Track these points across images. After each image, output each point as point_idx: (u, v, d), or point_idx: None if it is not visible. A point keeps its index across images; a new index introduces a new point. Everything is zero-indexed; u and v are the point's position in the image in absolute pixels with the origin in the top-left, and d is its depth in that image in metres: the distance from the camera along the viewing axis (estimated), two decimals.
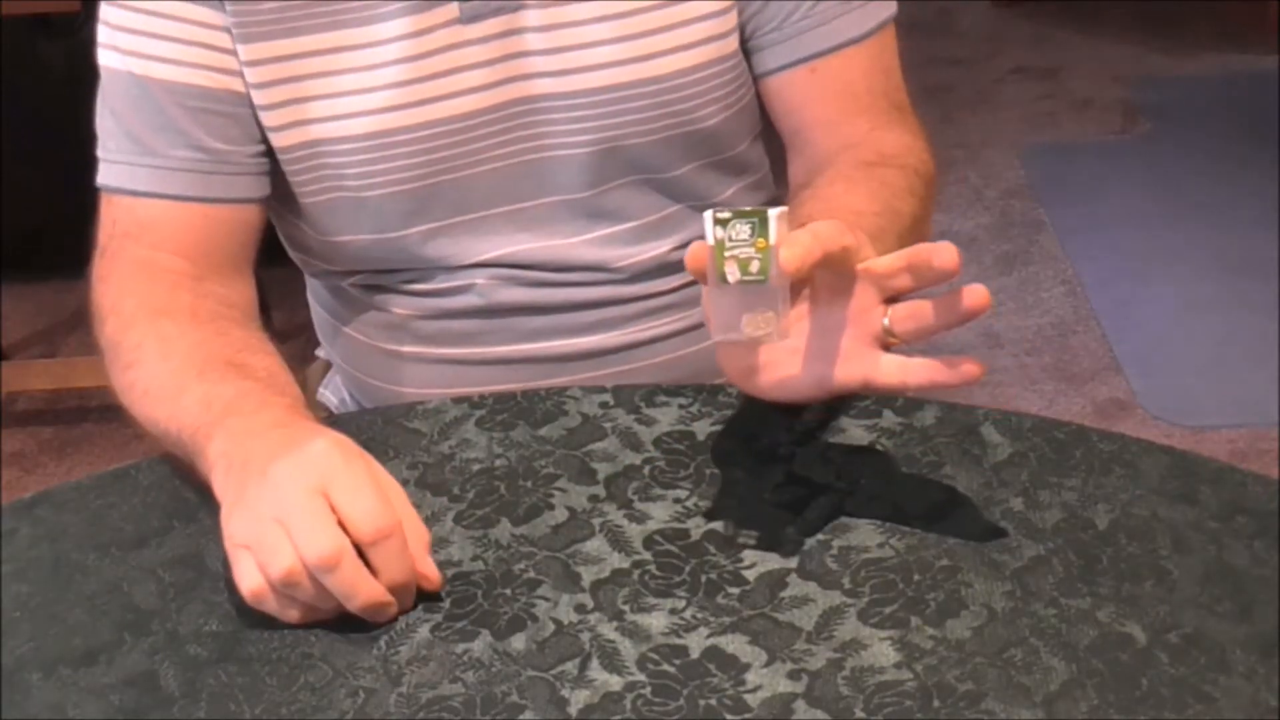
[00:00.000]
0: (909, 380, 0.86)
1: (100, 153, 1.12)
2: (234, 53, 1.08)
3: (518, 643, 0.86)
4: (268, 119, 1.10)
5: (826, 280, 0.87)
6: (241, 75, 1.08)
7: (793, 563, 0.90)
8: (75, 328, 2.80)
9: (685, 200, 1.17)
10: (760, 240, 0.82)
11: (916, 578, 0.88)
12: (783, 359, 0.88)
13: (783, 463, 0.97)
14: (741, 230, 0.83)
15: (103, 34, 1.10)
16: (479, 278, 1.16)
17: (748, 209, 0.83)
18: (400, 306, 1.19)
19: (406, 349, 1.20)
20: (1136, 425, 2.45)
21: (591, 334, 1.18)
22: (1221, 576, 0.87)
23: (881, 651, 0.83)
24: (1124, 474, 0.95)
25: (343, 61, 1.08)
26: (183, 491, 0.98)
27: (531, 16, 1.08)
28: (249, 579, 0.84)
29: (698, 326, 1.20)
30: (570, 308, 1.17)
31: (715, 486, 0.96)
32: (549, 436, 1.01)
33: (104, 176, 1.12)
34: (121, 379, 1.05)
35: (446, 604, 0.88)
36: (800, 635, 0.85)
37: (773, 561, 0.90)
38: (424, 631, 0.87)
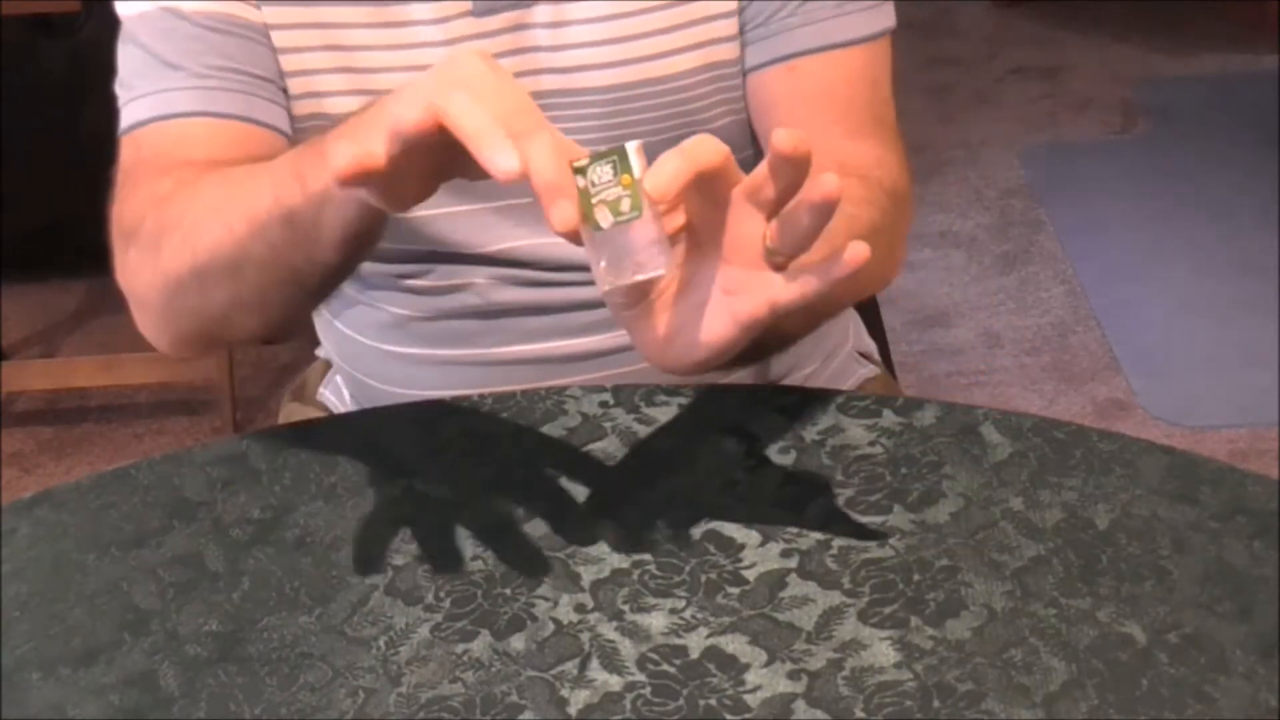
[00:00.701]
0: (808, 290, 0.81)
1: (125, 97, 1.09)
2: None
3: (517, 643, 0.86)
4: (286, 85, 1.09)
5: (704, 216, 0.83)
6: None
7: (792, 563, 0.90)
8: (75, 328, 2.80)
9: None
10: (625, 176, 0.79)
11: (916, 578, 0.88)
12: (688, 318, 0.84)
13: (782, 463, 0.97)
14: (603, 172, 0.79)
15: None
16: (478, 277, 1.16)
17: (604, 149, 0.80)
18: (398, 305, 1.18)
19: (405, 350, 1.20)
20: (1136, 425, 2.45)
21: (591, 334, 1.17)
22: (1221, 576, 0.87)
23: (881, 651, 0.83)
24: (1124, 474, 0.95)
25: (366, 38, 1.07)
26: (183, 491, 0.98)
27: (541, 12, 1.08)
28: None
29: None
30: (569, 308, 1.17)
31: (715, 486, 0.96)
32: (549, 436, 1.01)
33: (130, 116, 1.09)
34: (176, 241, 0.99)
35: (446, 604, 0.88)
36: (800, 635, 0.85)
37: (772, 561, 0.90)
38: (424, 631, 0.87)
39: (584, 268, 1.15)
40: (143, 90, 1.08)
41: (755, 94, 1.12)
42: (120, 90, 1.10)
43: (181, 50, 1.07)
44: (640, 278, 0.81)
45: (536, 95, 1.08)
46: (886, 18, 1.12)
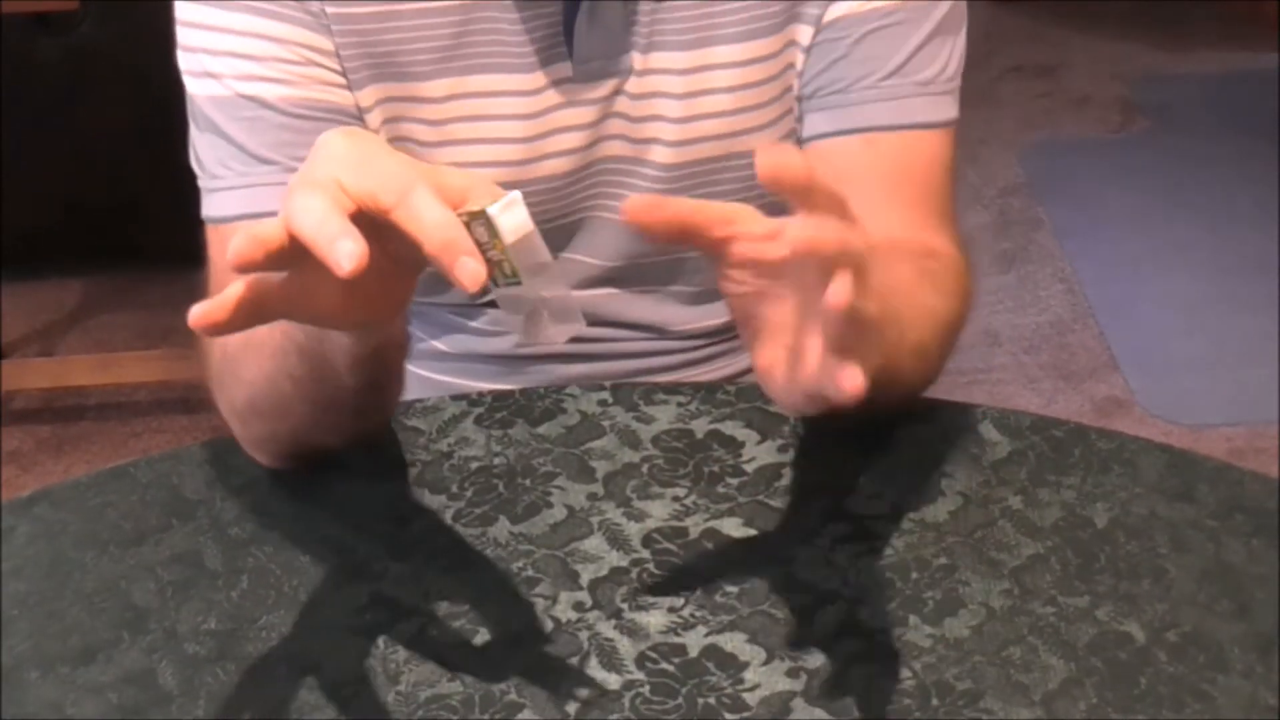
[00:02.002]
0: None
1: (207, 184, 1.03)
2: (347, 83, 1.02)
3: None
4: None
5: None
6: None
7: (791, 561, 0.90)
8: (73, 326, 2.80)
9: None
10: (497, 242, 0.72)
11: (915, 576, 0.88)
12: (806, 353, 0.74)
13: (780, 460, 0.97)
14: (480, 233, 0.72)
15: (192, 62, 1.02)
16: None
17: (475, 208, 0.72)
18: (436, 338, 1.18)
19: (435, 377, 1.19)
20: (1135, 423, 2.45)
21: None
22: (1220, 575, 0.88)
23: (880, 649, 0.83)
24: (1122, 472, 0.95)
25: (460, 109, 1.04)
26: (181, 490, 0.98)
27: (632, 83, 1.05)
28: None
29: (744, 372, 1.19)
30: (605, 358, 1.15)
31: (714, 485, 0.96)
32: (547, 434, 1.01)
33: (216, 207, 1.03)
34: (230, 374, 0.95)
35: (445, 602, 0.88)
36: (799, 633, 0.85)
37: (771, 560, 0.90)
38: (423, 629, 0.87)
39: (633, 325, 1.14)
40: (228, 183, 1.02)
41: (823, 162, 1.04)
42: (200, 172, 1.04)
43: (270, 142, 1.00)
44: (540, 344, 0.76)
45: (613, 160, 1.07)
46: (957, 106, 1.07)
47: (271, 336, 0.88)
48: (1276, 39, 3.56)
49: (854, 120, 1.05)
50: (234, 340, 0.92)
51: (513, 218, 0.73)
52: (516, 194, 0.73)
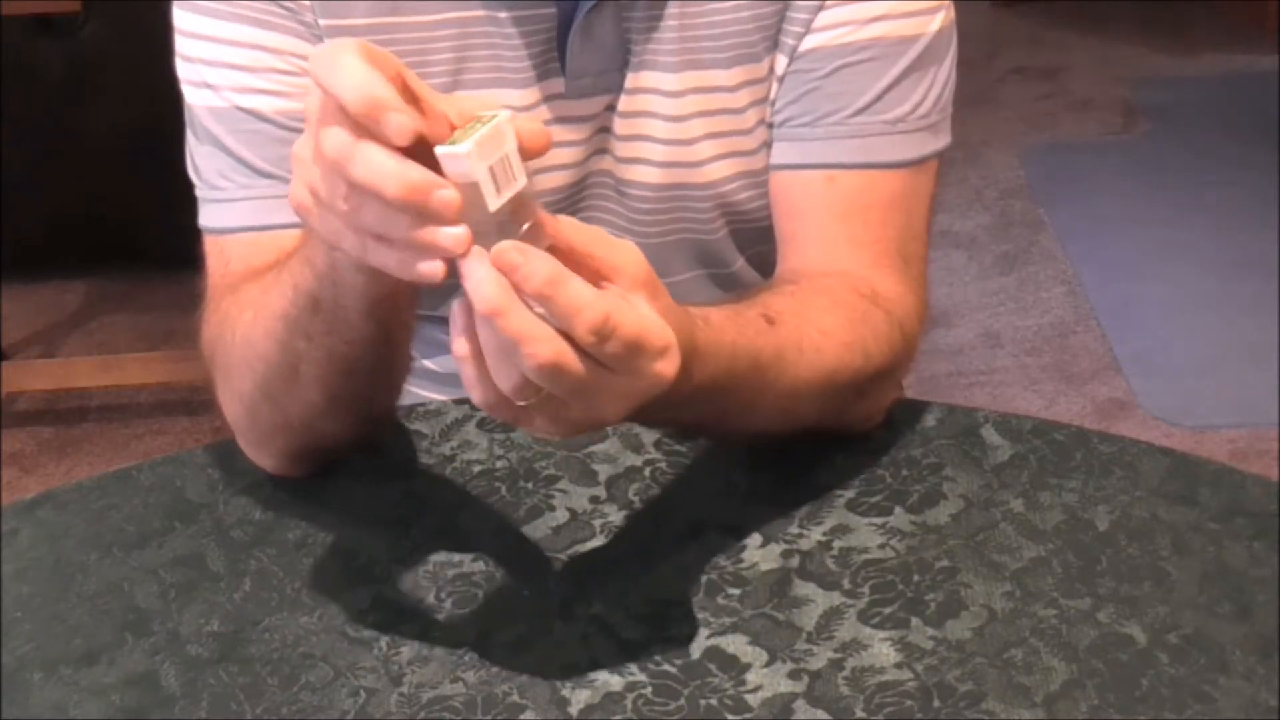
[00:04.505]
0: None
1: (206, 194, 1.04)
2: None
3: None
4: None
5: None
6: None
7: (793, 563, 0.90)
8: (75, 328, 2.80)
9: (733, 289, 1.14)
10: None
11: (916, 578, 0.88)
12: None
13: (782, 463, 0.97)
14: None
15: (190, 72, 1.02)
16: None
17: (479, 118, 0.73)
18: (428, 360, 1.18)
19: (424, 393, 1.19)
20: (1136, 425, 2.45)
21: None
22: (1221, 577, 0.88)
23: (882, 652, 0.83)
24: (1124, 476, 0.96)
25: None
26: (184, 492, 0.99)
27: (622, 101, 1.05)
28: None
29: None
30: None
31: (715, 487, 0.96)
32: (550, 438, 1.01)
33: (216, 218, 1.03)
34: (237, 361, 0.96)
35: (447, 604, 0.89)
36: (801, 635, 0.85)
37: (773, 562, 0.90)
38: (425, 631, 0.87)
39: None
40: (229, 194, 1.02)
41: (784, 193, 1.06)
42: (198, 181, 1.04)
43: (270, 156, 1.00)
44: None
45: (604, 174, 1.07)
46: (937, 139, 1.06)
47: (283, 295, 0.89)
48: (1277, 41, 3.56)
49: (817, 155, 1.04)
50: (246, 311, 0.93)
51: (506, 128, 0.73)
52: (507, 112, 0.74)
